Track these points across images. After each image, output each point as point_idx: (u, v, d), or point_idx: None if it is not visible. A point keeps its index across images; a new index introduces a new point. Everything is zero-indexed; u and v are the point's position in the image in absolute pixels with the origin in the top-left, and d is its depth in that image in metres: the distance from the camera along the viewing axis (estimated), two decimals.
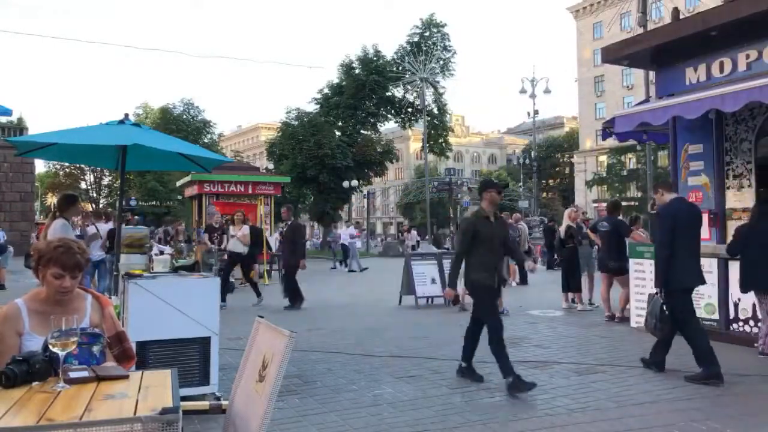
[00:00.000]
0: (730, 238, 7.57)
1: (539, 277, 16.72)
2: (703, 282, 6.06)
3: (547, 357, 6.73)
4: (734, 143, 7.68)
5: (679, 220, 5.79)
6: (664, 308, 5.77)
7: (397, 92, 40.93)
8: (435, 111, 41.16)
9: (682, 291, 5.76)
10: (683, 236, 5.72)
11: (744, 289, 6.55)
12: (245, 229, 11.99)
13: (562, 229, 10.99)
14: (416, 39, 40.77)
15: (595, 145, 60.71)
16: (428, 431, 4.33)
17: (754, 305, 6.95)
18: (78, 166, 52.24)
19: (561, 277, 10.90)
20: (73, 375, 2.32)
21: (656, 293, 5.93)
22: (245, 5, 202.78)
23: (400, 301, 11.32)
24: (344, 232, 23.90)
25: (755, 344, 6.67)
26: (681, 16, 8.33)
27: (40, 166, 53.53)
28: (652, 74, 10.49)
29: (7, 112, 6.85)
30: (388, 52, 41.68)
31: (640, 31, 15.29)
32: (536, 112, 40.08)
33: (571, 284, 10.57)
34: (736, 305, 7.36)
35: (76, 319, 2.40)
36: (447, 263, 11.50)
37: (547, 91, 38.22)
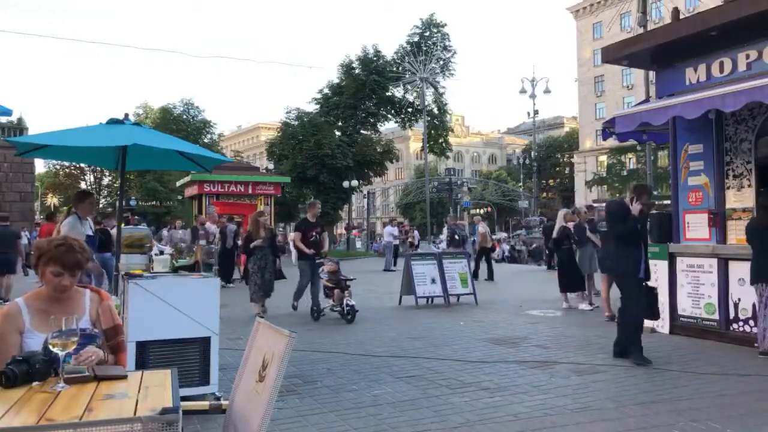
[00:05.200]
0: (730, 238, 7.62)
1: (540, 277, 16.69)
2: None
3: (547, 357, 6.72)
4: (734, 143, 7.68)
5: None
6: None
7: (397, 92, 40.80)
8: (435, 111, 41.09)
9: None
10: None
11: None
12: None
13: (555, 230, 11.05)
14: (416, 39, 40.66)
15: (595, 145, 60.72)
16: (428, 431, 4.33)
17: (754, 305, 6.93)
18: (78, 166, 52.18)
19: (558, 277, 10.91)
20: (71, 375, 2.32)
21: None
22: (245, 6, 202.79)
23: (400, 301, 11.32)
24: (386, 231, 23.79)
25: (755, 344, 6.67)
26: (681, 16, 8.32)
27: (40, 166, 53.63)
28: (652, 74, 10.47)
29: (7, 112, 6.84)
30: (388, 53, 41.61)
31: (640, 31, 15.30)
32: (536, 112, 40.17)
33: (575, 283, 10.56)
34: (736, 305, 7.35)
35: (75, 319, 2.41)
36: (447, 263, 11.49)
37: (547, 91, 38.27)
